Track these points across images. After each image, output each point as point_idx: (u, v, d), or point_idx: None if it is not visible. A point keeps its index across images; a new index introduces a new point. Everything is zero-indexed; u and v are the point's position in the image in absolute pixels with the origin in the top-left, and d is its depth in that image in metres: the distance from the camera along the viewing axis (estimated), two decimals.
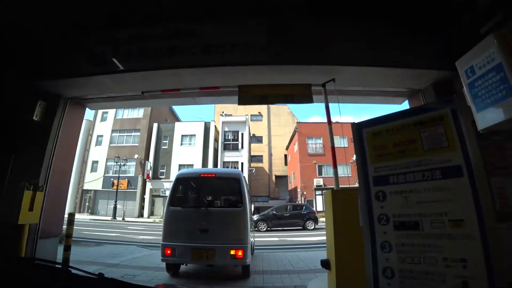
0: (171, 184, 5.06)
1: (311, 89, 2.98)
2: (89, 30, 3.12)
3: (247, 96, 2.97)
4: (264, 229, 13.99)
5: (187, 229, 4.41)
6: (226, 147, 25.78)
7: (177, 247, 4.32)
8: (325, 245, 1.94)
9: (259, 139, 33.89)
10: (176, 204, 4.71)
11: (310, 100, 3.00)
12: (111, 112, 27.09)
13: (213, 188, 5.10)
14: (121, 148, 25.93)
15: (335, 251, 1.75)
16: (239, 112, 31.37)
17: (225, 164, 25.19)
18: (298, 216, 14.38)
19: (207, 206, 4.57)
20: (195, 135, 26.05)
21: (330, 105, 3.31)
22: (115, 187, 23.06)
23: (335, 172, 3.22)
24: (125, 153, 25.10)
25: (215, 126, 27.41)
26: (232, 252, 4.28)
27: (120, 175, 23.27)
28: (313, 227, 13.95)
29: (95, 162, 26.46)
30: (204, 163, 24.93)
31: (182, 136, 26.09)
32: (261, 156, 33.50)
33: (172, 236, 4.39)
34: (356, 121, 1.52)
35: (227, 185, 5.16)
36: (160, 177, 25.21)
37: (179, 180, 5.10)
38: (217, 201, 5.06)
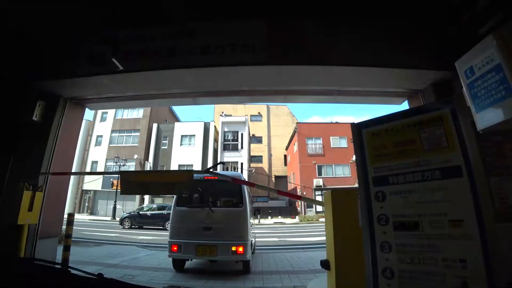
0: None
1: (193, 177, 2.77)
2: (89, 30, 3.11)
3: (127, 183, 2.78)
4: (128, 227, 14.78)
5: (192, 227, 4.76)
6: (225, 148, 25.80)
7: (183, 243, 4.69)
8: (324, 245, 1.94)
9: (258, 140, 33.90)
10: (182, 204, 5.06)
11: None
12: (111, 112, 27.07)
13: (216, 189, 5.40)
14: (121, 148, 25.92)
15: (334, 251, 1.75)
16: (239, 112, 31.40)
17: (224, 164, 25.17)
18: (160, 217, 14.72)
19: (210, 206, 4.91)
20: (194, 135, 26.04)
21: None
22: (114, 187, 23.02)
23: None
24: (124, 153, 25.08)
25: (215, 126, 27.40)
26: (233, 248, 4.64)
27: None
28: None
29: (94, 162, 26.43)
30: (204, 163, 24.92)
31: (182, 136, 26.09)
32: (261, 156, 33.50)
33: (179, 234, 4.76)
34: (356, 121, 1.52)
35: (229, 187, 5.39)
36: None
37: None
38: (219, 201, 5.34)
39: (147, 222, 14.89)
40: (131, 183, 2.76)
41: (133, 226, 14.96)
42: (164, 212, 14.51)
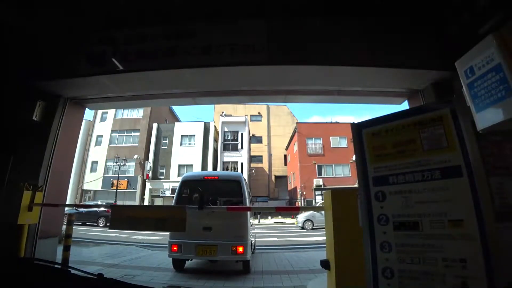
0: (178, 185, 5.47)
1: (186, 213, 2.67)
2: (89, 30, 3.11)
3: (118, 219, 2.75)
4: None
5: (192, 227, 4.64)
6: (225, 147, 25.79)
7: (183, 243, 4.69)
8: (324, 245, 1.94)
9: (258, 139, 33.92)
10: (181, 204, 4.93)
11: (183, 228, 2.62)
12: (111, 112, 27.08)
13: (216, 189, 5.39)
14: (121, 148, 25.92)
15: (334, 251, 1.75)
16: (239, 112, 31.40)
17: (224, 164, 25.18)
18: (93, 214, 16.01)
19: (210, 205, 4.78)
20: (194, 135, 26.04)
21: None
22: (114, 187, 23.04)
23: None
24: (124, 153, 25.09)
25: (215, 126, 27.41)
26: (233, 248, 4.64)
27: (119, 175, 23.25)
28: (103, 224, 15.50)
29: (94, 162, 26.44)
30: (204, 163, 24.92)
31: (182, 136, 26.09)
32: (261, 156, 33.52)
33: (178, 234, 4.65)
34: (356, 121, 1.52)
35: (229, 187, 5.55)
36: (160, 177, 25.19)
37: (185, 182, 5.48)
38: (219, 201, 5.28)
39: (83, 218, 15.74)
40: (122, 217, 2.75)
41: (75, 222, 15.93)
42: (97, 210, 15.78)
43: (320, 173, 25.82)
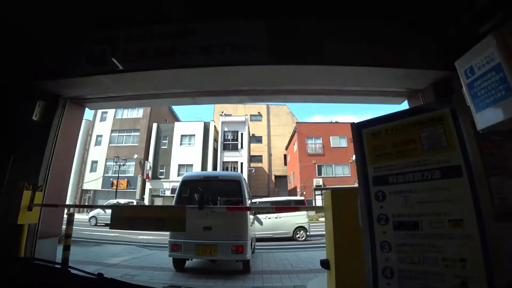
0: (178, 185, 5.52)
1: (186, 212, 2.67)
2: (89, 30, 3.11)
3: (118, 219, 2.74)
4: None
5: (192, 226, 4.61)
6: (225, 147, 25.78)
7: (183, 243, 4.71)
8: (324, 245, 1.95)
9: (258, 139, 33.89)
10: (181, 204, 4.94)
11: (183, 228, 2.57)
12: (111, 112, 27.08)
13: (216, 189, 5.39)
14: (121, 148, 25.92)
15: (334, 251, 1.75)
16: (239, 112, 31.38)
17: (224, 164, 25.17)
18: None
19: (210, 205, 4.78)
20: (194, 135, 26.03)
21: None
22: (114, 187, 23.05)
23: None
24: (124, 153, 25.09)
25: (215, 126, 27.39)
26: (233, 248, 4.66)
27: (119, 175, 23.26)
28: None
29: (94, 162, 26.44)
30: (204, 163, 24.92)
31: (182, 136, 26.08)
32: (261, 156, 33.49)
33: (179, 233, 4.66)
34: (356, 121, 1.52)
35: (229, 187, 5.53)
36: (160, 177, 25.18)
37: (185, 182, 5.54)
38: (219, 201, 5.30)
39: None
40: (121, 217, 2.74)
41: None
42: None
43: (320, 173, 25.82)
